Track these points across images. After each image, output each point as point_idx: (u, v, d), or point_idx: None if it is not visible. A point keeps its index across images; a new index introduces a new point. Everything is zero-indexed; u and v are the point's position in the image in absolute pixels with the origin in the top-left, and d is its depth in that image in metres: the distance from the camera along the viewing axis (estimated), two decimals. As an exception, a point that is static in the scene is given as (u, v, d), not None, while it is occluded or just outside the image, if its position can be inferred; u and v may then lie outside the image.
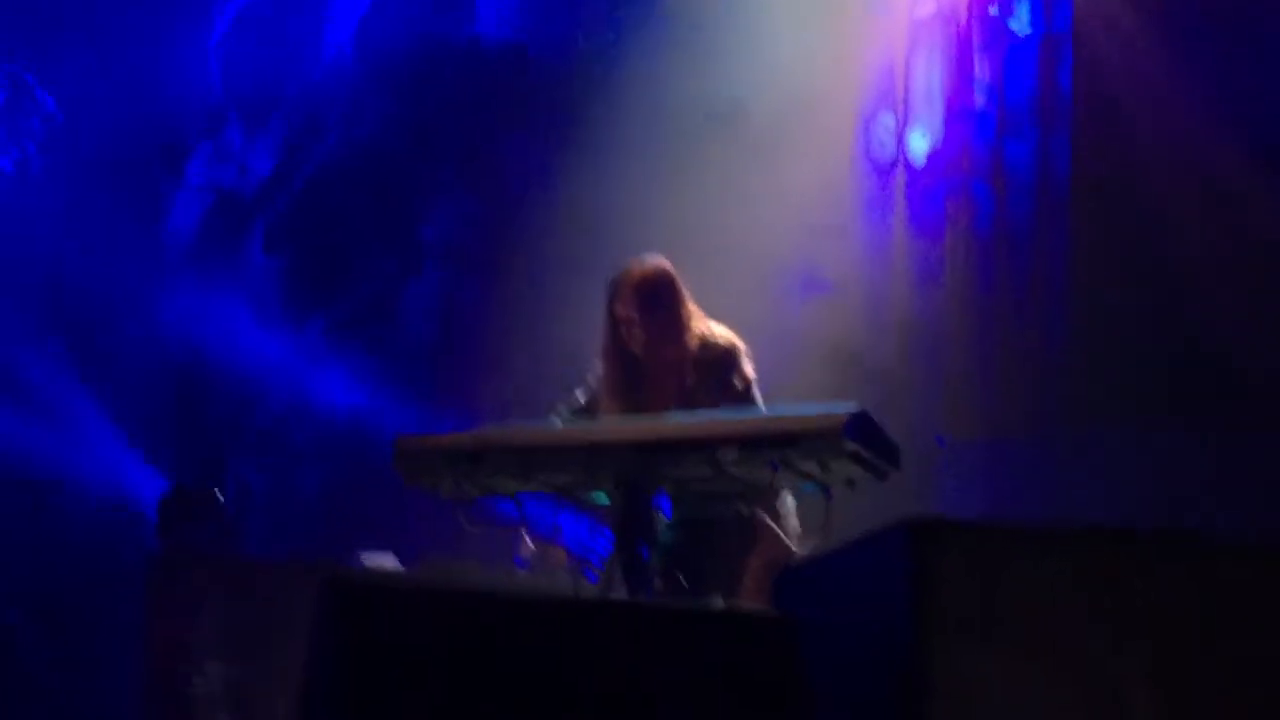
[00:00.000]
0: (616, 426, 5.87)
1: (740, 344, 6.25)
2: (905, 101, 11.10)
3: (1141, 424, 9.26)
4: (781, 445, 5.21)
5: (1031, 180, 10.54)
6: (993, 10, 10.82)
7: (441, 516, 6.02)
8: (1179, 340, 9.35)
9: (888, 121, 11.16)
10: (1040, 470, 9.60)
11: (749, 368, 6.21)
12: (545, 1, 12.40)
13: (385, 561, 9.23)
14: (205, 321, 12.04)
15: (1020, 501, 9.47)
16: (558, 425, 6.21)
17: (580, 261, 11.13)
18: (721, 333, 6.27)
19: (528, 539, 8.40)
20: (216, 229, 12.32)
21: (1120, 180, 9.94)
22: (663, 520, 5.85)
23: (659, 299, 6.18)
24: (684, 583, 6.01)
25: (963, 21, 10.87)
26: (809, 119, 10.83)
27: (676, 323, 6.18)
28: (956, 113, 10.88)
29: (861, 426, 5.20)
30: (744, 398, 6.13)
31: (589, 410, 6.37)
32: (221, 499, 9.61)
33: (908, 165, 11.03)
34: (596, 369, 6.42)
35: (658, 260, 6.33)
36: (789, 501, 6.17)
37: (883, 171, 11.13)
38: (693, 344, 6.19)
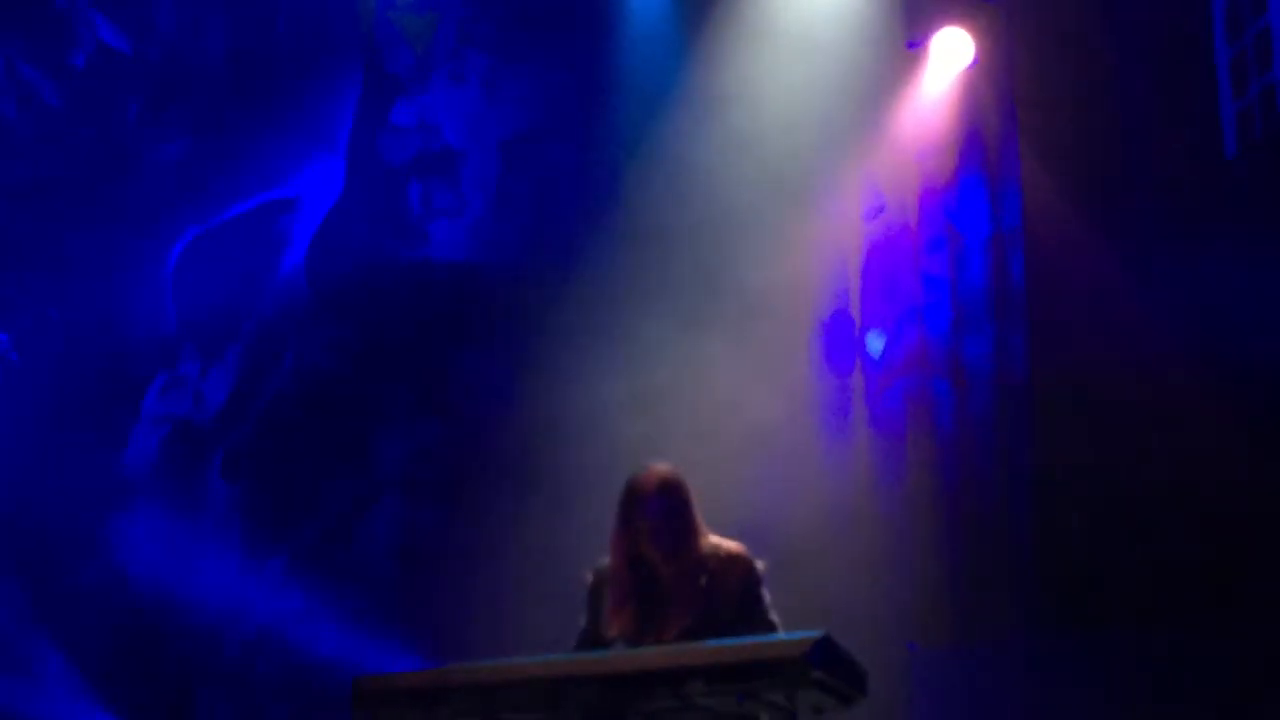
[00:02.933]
0: (581, 660, 5.77)
1: (747, 551, 6.15)
2: (861, 303, 11.17)
3: (1112, 627, 9.20)
4: (747, 676, 5.13)
5: (990, 374, 10.57)
6: (944, 212, 10.92)
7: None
8: (1149, 539, 9.32)
9: (844, 323, 11.22)
10: (1010, 677, 9.50)
11: (760, 575, 6.11)
12: (496, 221, 12.50)
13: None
14: (167, 555, 11.93)
15: (995, 710, 9.37)
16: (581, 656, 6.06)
17: (540, 480, 11.14)
18: (728, 543, 6.19)
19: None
20: (174, 459, 12.26)
21: (1076, 371, 9.97)
22: None
23: (677, 503, 6.07)
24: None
25: (914, 223, 10.97)
26: (764, 326, 10.89)
27: (691, 525, 6.07)
28: (912, 312, 10.94)
29: (826, 653, 5.13)
30: (759, 606, 6.02)
31: (595, 630, 6.21)
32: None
33: (866, 366, 11.06)
34: (597, 581, 6.25)
35: (670, 466, 6.25)
36: None
37: (842, 373, 11.16)
38: (705, 548, 6.11)
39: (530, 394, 11.57)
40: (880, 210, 11.17)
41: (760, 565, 6.09)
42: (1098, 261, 9.99)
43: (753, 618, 5.94)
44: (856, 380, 11.02)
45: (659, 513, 6.02)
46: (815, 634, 5.14)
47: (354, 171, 12.59)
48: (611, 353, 11.14)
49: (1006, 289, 10.56)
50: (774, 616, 6.03)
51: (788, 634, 5.46)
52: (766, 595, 6.06)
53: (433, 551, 11.86)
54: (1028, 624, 9.76)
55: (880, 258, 11.18)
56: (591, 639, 6.13)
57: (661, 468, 6.16)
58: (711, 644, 5.49)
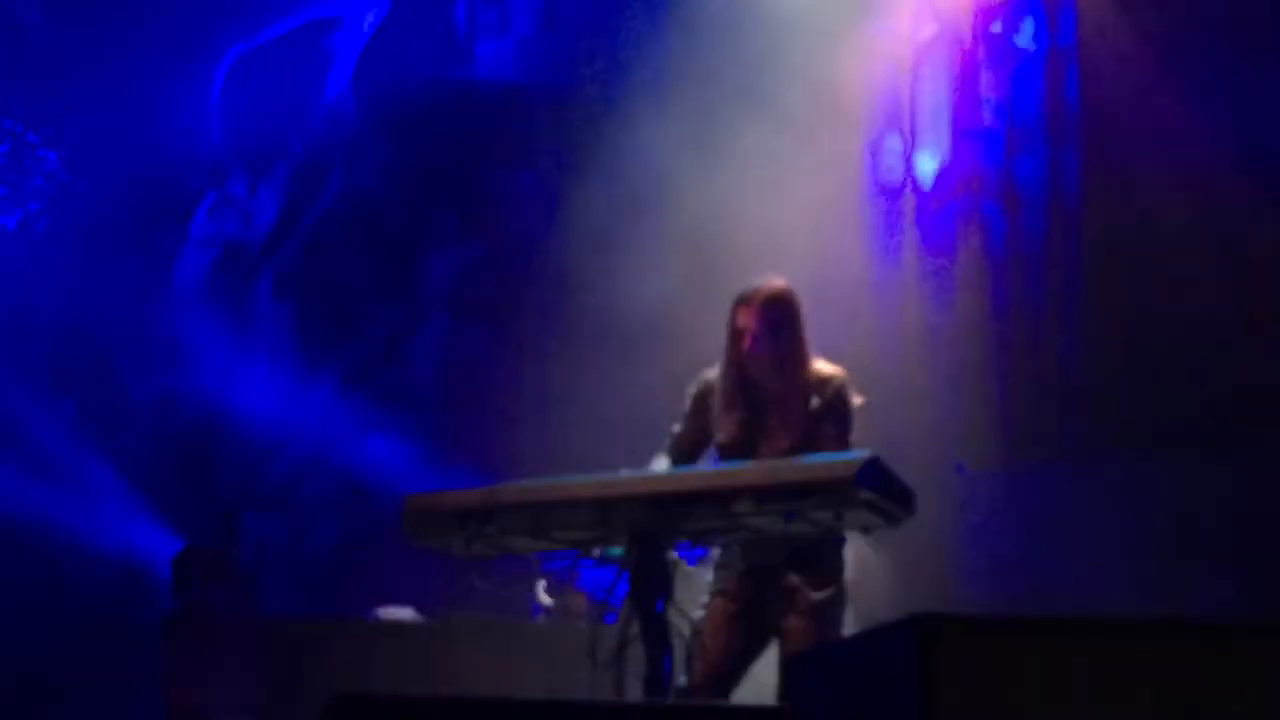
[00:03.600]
0: (629, 479, 5.79)
1: (846, 378, 6.16)
2: (912, 124, 11.04)
3: (1160, 447, 9.19)
4: (796, 495, 5.14)
5: (1043, 198, 10.48)
6: (996, 28, 10.76)
7: (460, 567, 5.93)
8: (1194, 361, 9.29)
9: (895, 144, 11.11)
10: (1057, 499, 9.53)
11: (851, 404, 6.11)
12: (542, 43, 12.39)
13: (404, 615, 9.19)
14: (217, 376, 12.01)
15: (1039, 531, 9.41)
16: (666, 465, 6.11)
17: (586, 301, 11.14)
18: (830, 366, 6.19)
19: (543, 589, 8.37)
20: (224, 280, 12.30)
21: (1127, 196, 9.89)
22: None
23: (783, 319, 6.03)
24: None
25: (967, 41, 10.81)
26: (815, 145, 10.78)
27: (799, 346, 6.05)
28: (964, 133, 10.82)
29: (874, 474, 5.13)
30: (844, 431, 6.04)
31: (698, 425, 6.23)
32: (236, 557, 9.56)
33: (916, 188, 10.97)
34: (703, 384, 6.26)
35: (783, 282, 6.23)
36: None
37: (891, 194, 11.07)
38: (812, 371, 6.09)
39: (577, 214, 11.53)
40: (933, 30, 11.02)
41: (857, 399, 6.09)
42: (1153, 81, 9.86)
43: (836, 443, 5.94)
44: (908, 201, 10.94)
45: (766, 324, 6.00)
46: (864, 454, 5.14)
47: (400, -13, 12.49)
48: (657, 175, 11.05)
49: (1061, 109, 10.43)
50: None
51: (835, 454, 5.44)
52: (849, 429, 6.05)
53: (480, 371, 11.92)
54: (1075, 447, 9.76)
55: (932, 78, 11.04)
56: (689, 443, 6.15)
57: (776, 282, 6.14)
58: (760, 463, 5.50)
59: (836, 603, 5.94)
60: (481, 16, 12.53)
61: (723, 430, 6.06)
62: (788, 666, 3.55)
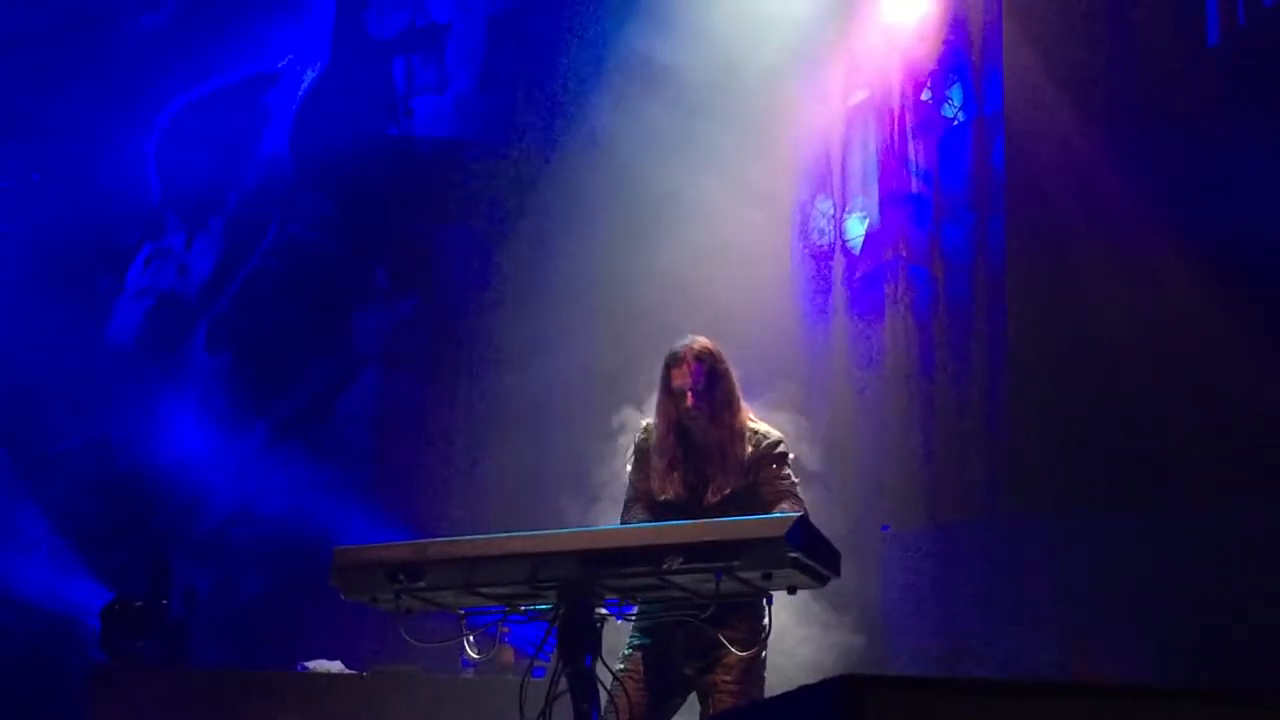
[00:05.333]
0: (559, 535, 5.85)
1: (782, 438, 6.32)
2: (842, 187, 11.18)
3: (1082, 508, 9.32)
4: (725, 554, 5.21)
5: (968, 262, 10.61)
6: (925, 96, 10.92)
7: (389, 620, 5.96)
8: (1115, 423, 9.42)
9: (825, 207, 11.24)
10: (983, 556, 9.64)
11: (788, 459, 6.28)
12: (480, 98, 12.47)
13: (332, 668, 9.21)
14: (148, 427, 11.99)
15: (962, 591, 9.51)
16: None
17: (519, 359, 11.20)
18: (765, 426, 6.35)
19: (471, 643, 8.39)
20: (158, 331, 12.28)
21: (1053, 261, 10.03)
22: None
23: (718, 371, 6.24)
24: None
25: (896, 107, 10.97)
26: (744, 208, 10.89)
27: (733, 395, 6.25)
28: (892, 197, 10.96)
29: (803, 533, 5.20)
30: (791, 492, 6.18)
31: (644, 487, 6.35)
32: (166, 608, 9.54)
33: (845, 250, 11.10)
34: (640, 446, 6.40)
35: (707, 338, 6.41)
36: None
37: (821, 256, 11.19)
38: (745, 423, 6.27)
39: (509, 271, 11.62)
40: (863, 95, 11.16)
41: (791, 455, 6.27)
42: (1079, 148, 10.02)
43: (786, 489, 6.09)
44: (837, 263, 11.07)
45: (699, 379, 6.17)
46: (793, 514, 5.23)
47: (339, 45, 12.54)
48: (592, 231, 11.14)
49: (987, 176, 10.59)
50: (799, 492, 6.18)
51: (764, 515, 5.54)
52: (794, 474, 6.22)
53: (411, 426, 11.95)
54: (998, 507, 9.88)
55: (861, 142, 11.18)
56: (642, 499, 6.28)
57: (702, 338, 6.32)
58: (690, 522, 5.57)
59: (759, 662, 6.06)
60: (419, 73, 12.61)
61: (667, 490, 6.20)
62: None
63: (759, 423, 6.34)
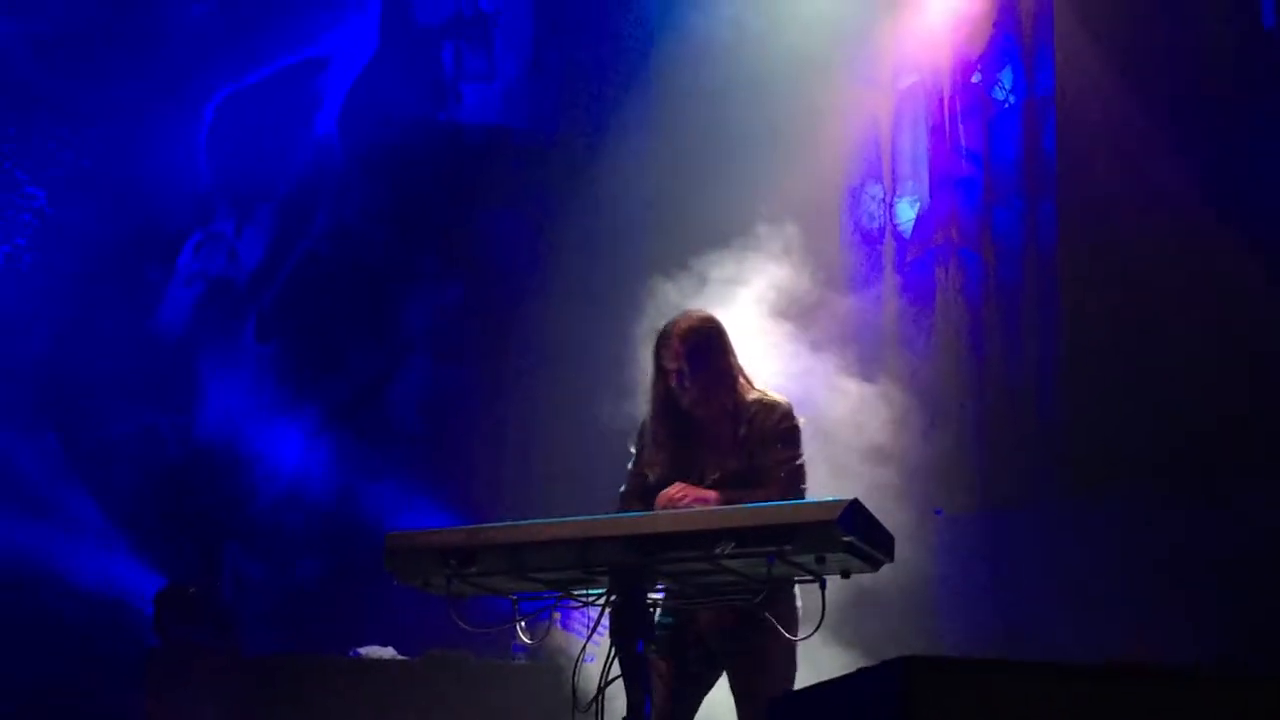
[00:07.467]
0: (610, 520, 5.84)
1: (791, 405, 6.23)
2: (892, 171, 11.14)
3: (1139, 490, 9.27)
4: (778, 539, 5.19)
5: (1019, 246, 10.57)
6: (975, 78, 10.88)
7: (442, 604, 5.97)
8: (1172, 404, 9.37)
9: (875, 192, 11.20)
10: (1037, 541, 9.61)
11: (799, 429, 6.17)
12: (528, 86, 12.50)
13: (384, 654, 9.24)
14: (200, 413, 12.05)
15: (1015, 574, 9.48)
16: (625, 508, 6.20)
17: (567, 346, 11.20)
18: (775, 394, 6.25)
19: (524, 627, 8.41)
20: (209, 317, 12.35)
21: (1105, 244, 9.99)
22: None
23: (706, 348, 6.08)
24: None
25: (946, 91, 10.93)
26: (799, 190, 10.85)
27: (726, 372, 6.10)
28: (943, 181, 10.92)
29: (856, 517, 5.18)
30: (791, 455, 6.10)
31: (641, 473, 6.31)
32: (218, 594, 9.60)
33: (896, 234, 11.06)
34: (641, 431, 6.36)
35: (704, 311, 6.32)
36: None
37: (871, 240, 11.16)
38: (744, 395, 6.14)
39: (558, 258, 11.62)
40: (913, 79, 11.12)
41: (801, 419, 6.16)
42: (1130, 132, 9.96)
43: (782, 467, 6.01)
44: (887, 248, 11.03)
45: (688, 357, 6.06)
46: (846, 499, 5.20)
47: (387, 32, 12.57)
48: (641, 216, 11.13)
49: (1038, 159, 10.54)
50: (801, 470, 6.08)
51: (818, 499, 5.51)
52: (800, 450, 6.12)
53: (462, 411, 11.97)
54: (1052, 491, 9.84)
55: (912, 126, 11.14)
56: (636, 486, 6.24)
57: (695, 313, 6.24)
58: (744, 507, 5.55)
59: (791, 647, 5.98)
60: (468, 60, 12.63)
61: (655, 469, 6.14)
62: (771, 709, 3.59)
63: (765, 392, 6.18)
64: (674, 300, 8.51)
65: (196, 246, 12.37)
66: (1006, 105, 10.75)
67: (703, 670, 6.09)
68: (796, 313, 9.22)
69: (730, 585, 5.55)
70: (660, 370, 6.15)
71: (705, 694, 6.13)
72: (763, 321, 8.90)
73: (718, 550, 5.26)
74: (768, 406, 6.10)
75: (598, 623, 5.70)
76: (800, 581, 5.54)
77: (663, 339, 6.15)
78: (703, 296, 8.98)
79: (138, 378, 11.92)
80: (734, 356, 6.20)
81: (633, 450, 6.35)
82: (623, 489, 6.35)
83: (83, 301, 11.76)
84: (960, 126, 10.90)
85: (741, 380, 6.16)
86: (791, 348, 9.05)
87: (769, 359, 8.91)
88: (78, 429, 11.81)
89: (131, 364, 11.88)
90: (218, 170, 12.37)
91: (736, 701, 6.07)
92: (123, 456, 11.83)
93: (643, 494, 6.23)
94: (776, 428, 6.06)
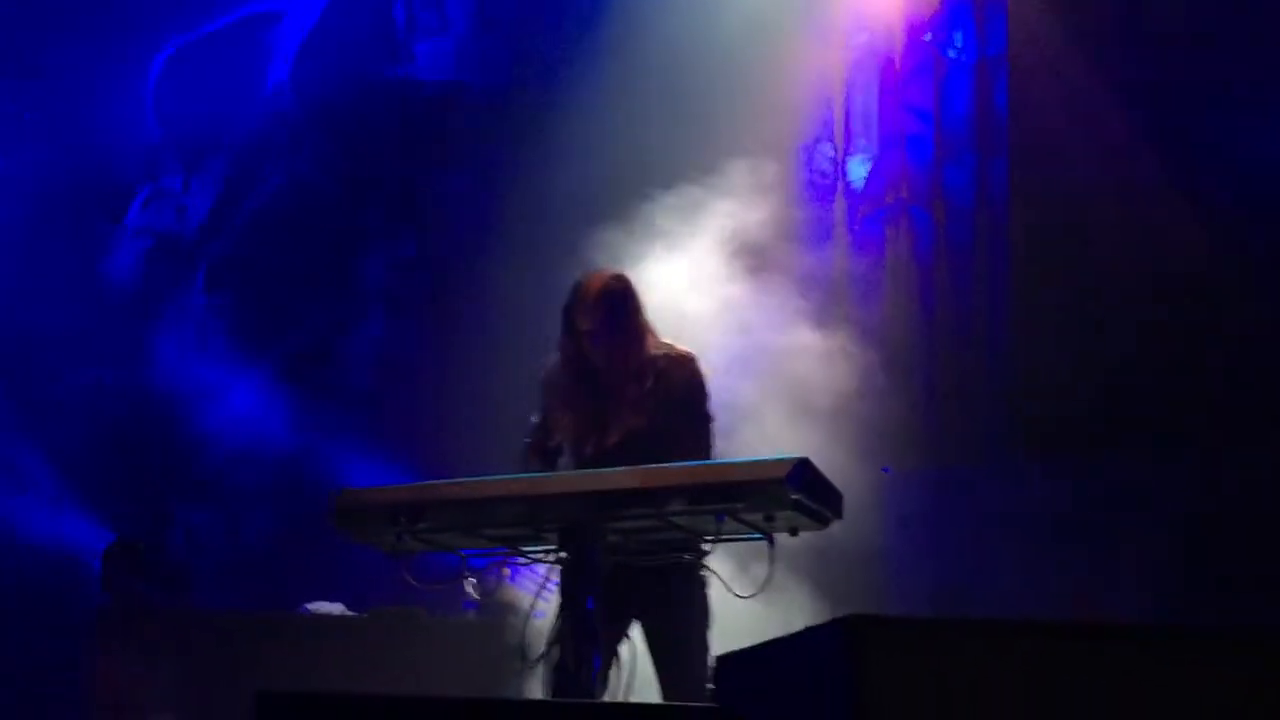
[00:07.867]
0: (562, 478, 5.86)
1: (698, 357, 6.22)
2: (846, 129, 11.13)
3: (1084, 450, 9.32)
4: (727, 497, 5.22)
5: (970, 204, 10.59)
6: (927, 37, 10.87)
7: (391, 561, 5.98)
8: (1118, 365, 9.42)
9: (828, 150, 11.19)
10: (988, 498, 9.64)
11: (706, 382, 6.19)
12: (480, 41, 12.44)
13: (333, 610, 9.23)
14: (148, 368, 12.00)
15: (963, 533, 9.52)
16: (529, 460, 6.21)
17: (521, 300, 11.16)
18: (681, 346, 6.25)
19: (474, 583, 8.41)
20: (157, 272, 12.28)
21: (1055, 202, 10.01)
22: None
23: (618, 307, 6.11)
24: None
25: (898, 48, 10.92)
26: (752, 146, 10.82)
27: (635, 329, 6.13)
28: (893, 139, 10.92)
29: (805, 475, 5.21)
30: (699, 410, 6.11)
31: (545, 430, 6.32)
32: (167, 550, 9.57)
33: (849, 192, 11.06)
34: (545, 384, 6.35)
35: (616, 270, 6.33)
36: None
37: (825, 198, 11.15)
38: (652, 351, 6.15)
39: (510, 213, 11.57)
40: (865, 37, 11.10)
41: (707, 370, 6.17)
42: (1083, 88, 9.98)
43: (690, 423, 6.02)
44: (839, 206, 11.03)
45: (599, 314, 6.07)
46: (794, 456, 5.23)
47: (338, -15, 12.51)
48: (596, 173, 11.09)
49: (989, 116, 10.55)
50: (711, 409, 6.09)
51: (768, 457, 5.54)
52: (706, 390, 6.14)
53: (414, 368, 11.94)
54: (1000, 449, 9.88)
55: (864, 84, 11.13)
56: (539, 443, 6.26)
57: (606, 272, 6.25)
58: (691, 464, 5.57)
59: (703, 599, 5.98)
60: (420, 15, 12.56)
61: (564, 429, 6.14)
62: (719, 665, 3.62)
63: (672, 345, 6.21)
64: (630, 251, 8.50)
65: (145, 202, 12.30)
66: (958, 63, 10.75)
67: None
68: (752, 265, 9.23)
69: (678, 542, 5.58)
70: (571, 329, 6.14)
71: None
72: (717, 270, 8.91)
73: (667, 509, 5.29)
74: (675, 361, 6.15)
75: (546, 579, 5.73)
76: (747, 539, 5.57)
77: (574, 298, 6.15)
78: (656, 247, 8.99)
79: (86, 332, 11.85)
80: (644, 313, 6.22)
81: (534, 414, 6.33)
82: (527, 441, 6.34)
83: (29, 255, 11.69)
84: (912, 84, 10.89)
85: (650, 337, 6.18)
86: (745, 299, 9.06)
87: (724, 311, 8.95)
88: (25, 383, 11.75)
89: (80, 318, 11.82)
90: (166, 124, 12.29)
91: (654, 652, 6.05)
92: (71, 411, 11.78)
93: (545, 452, 6.25)
94: (685, 382, 6.11)
